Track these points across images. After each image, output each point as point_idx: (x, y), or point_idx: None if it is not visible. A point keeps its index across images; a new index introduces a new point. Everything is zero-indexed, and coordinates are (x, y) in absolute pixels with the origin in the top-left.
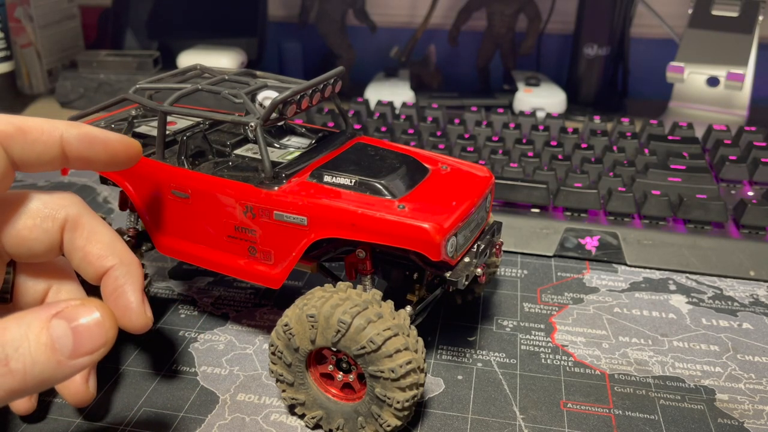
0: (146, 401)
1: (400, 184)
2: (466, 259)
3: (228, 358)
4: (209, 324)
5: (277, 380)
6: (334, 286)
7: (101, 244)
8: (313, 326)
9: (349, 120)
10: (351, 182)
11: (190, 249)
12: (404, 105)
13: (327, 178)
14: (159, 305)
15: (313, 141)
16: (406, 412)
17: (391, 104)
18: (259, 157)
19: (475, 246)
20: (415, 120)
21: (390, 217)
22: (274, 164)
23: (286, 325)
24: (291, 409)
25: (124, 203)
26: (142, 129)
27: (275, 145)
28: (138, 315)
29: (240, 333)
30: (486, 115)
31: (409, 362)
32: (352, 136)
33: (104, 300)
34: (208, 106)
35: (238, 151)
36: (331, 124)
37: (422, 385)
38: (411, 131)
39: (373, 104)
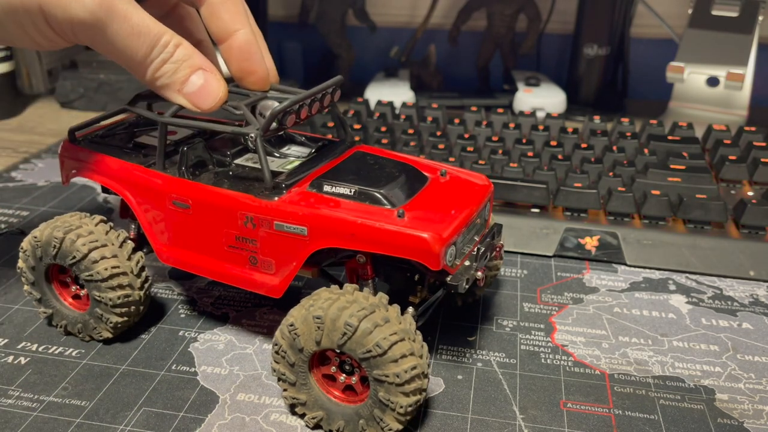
0: (146, 401)
1: (399, 193)
2: (467, 263)
3: (228, 357)
4: (209, 324)
5: (279, 379)
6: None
7: (234, 10)
8: (319, 328)
9: (349, 129)
10: (350, 192)
11: (192, 259)
12: (404, 105)
13: (327, 188)
14: (159, 305)
15: (313, 150)
16: (408, 416)
17: (391, 104)
18: (260, 167)
19: (476, 249)
20: (415, 120)
21: (389, 227)
22: (274, 174)
23: (291, 325)
24: (292, 409)
25: (125, 212)
26: (143, 139)
27: (275, 154)
28: (269, 73)
29: (240, 333)
30: (486, 115)
31: (414, 368)
32: (351, 145)
33: (228, 55)
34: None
35: (238, 161)
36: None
37: (426, 390)
38: (411, 131)
39: (373, 104)
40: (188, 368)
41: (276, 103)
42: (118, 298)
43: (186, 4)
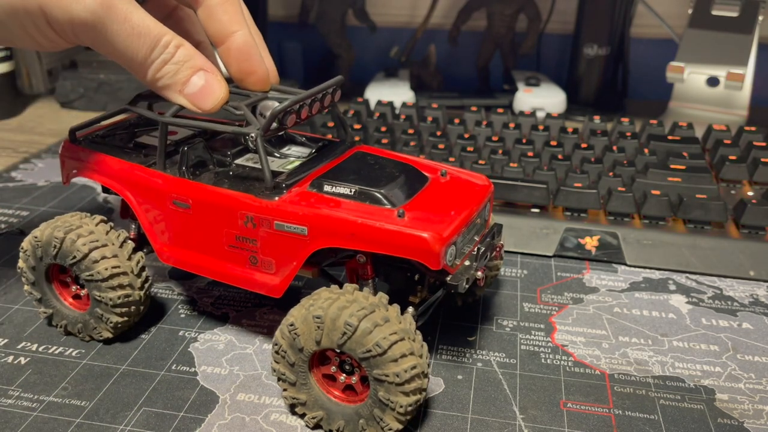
0: (146, 401)
1: (399, 193)
2: (467, 263)
3: (228, 357)
4: (209, 324)
5: (279, 379)
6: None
7: (232, 11)
8: (319, 327)
9: (349, 129)
10: (351, 192)
11: (192, 259)
12: (404, 105)
13: (327, 188)
14: (159, 305)
15: (313, 150)
16: (408, 416)
17: (391, 104)
18: (260, 167)
19: (476, 249)
20: (415, 120)
21: (389, 227)
22: (275, 174)
23: (291, 325)
24: (292, 409)
25: (126, 212)
26: (144, 139)
27: (275, 154)
28: (270, 73)
29: (240, 333)
30: (486, 115)
31: (414, 367)
32: (351, 145)
33: (226, 56)
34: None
35: (238, 161)
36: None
37: (425, 389)
38: (411, 131)
39: (373, 104)
40: (188, 368)
41: (276, 104)
42: (119, 297)
43: (184, 6)
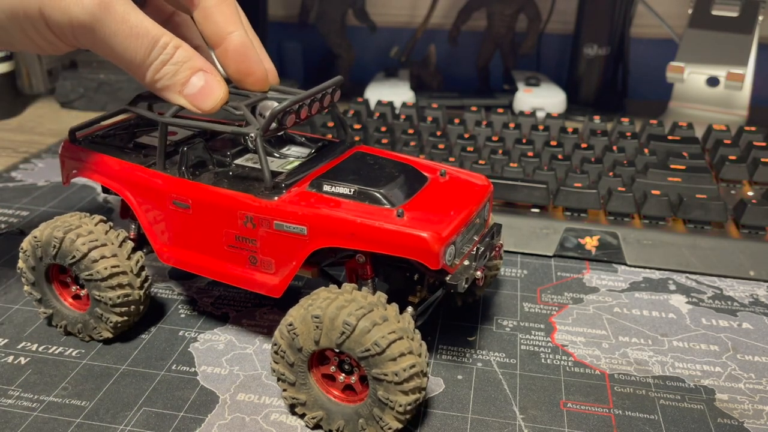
0: (146, 401)
1: (398, 193)
2: (466, 263)
3: (228, 357)
4: (209, 324)
5: (279, 379)
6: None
7: (227, 13)
8: (317, 327)
9: (349, 129)
10: (350, 191)
11: (192, 259)
12: (404, 105)
13: (326, 188)
14: (159, 305)
15: (313, 150)
16: (408, 415)
17: (391, 104)
18: (259, 167)
19: (475, 249)
20: (415, 120)
21: (389, 227)
22: (274, 174)
23: (290, 325)
24: (291, 409)
25: (126, 212)
26: (143, 139)
27: (275, 154)
28: (269, 73)
29: (240, 333)
30: (486, 115)
31: (413, 366)
32: (351, 146)
33: (224, 58)
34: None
35: (238, 161)
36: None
37: (425, 388)
38: (411, 131)
39: (373, 104)
40: (188, 368)
41: (276, 104)
42: (118, 297)
43: (180, 11)
